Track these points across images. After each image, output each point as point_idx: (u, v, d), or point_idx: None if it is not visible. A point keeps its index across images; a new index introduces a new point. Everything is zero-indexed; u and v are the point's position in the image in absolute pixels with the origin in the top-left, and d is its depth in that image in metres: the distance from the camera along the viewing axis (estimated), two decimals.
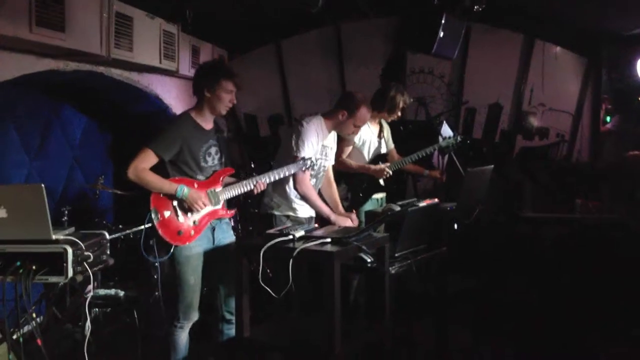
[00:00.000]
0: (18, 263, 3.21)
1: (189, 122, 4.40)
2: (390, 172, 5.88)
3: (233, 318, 4.58)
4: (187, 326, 4.52)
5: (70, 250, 3.23)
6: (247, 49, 8.66)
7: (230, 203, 4.63)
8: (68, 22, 4.82)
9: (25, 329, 3.47)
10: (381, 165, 5.87)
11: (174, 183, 4.25)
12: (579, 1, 6.86)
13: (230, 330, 4.62)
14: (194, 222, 4.35)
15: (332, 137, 5.25)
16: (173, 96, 7.25)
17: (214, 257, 4.52)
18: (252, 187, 4.49)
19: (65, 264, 3.22)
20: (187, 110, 4.54)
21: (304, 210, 5.15)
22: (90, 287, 3.56)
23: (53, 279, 3.26)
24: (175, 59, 6.61)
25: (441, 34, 6.91)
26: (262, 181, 4.52)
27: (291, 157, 4.88)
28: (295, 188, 4.98)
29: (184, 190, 4.22)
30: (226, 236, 4.63)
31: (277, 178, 4.65)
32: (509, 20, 8.04)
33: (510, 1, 7.23)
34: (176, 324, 4.47)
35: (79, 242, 3.34)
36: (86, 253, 3.35)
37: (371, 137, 6.04)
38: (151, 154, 4.23)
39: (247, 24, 7.62)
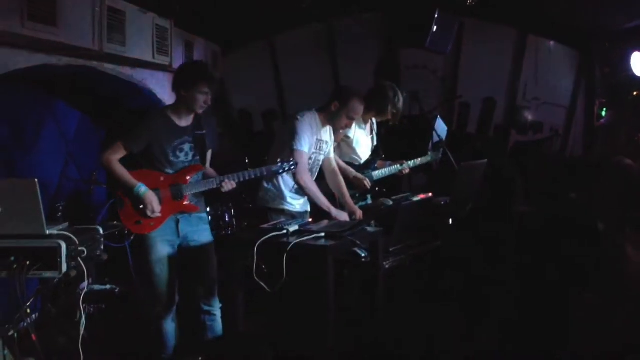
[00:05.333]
0: (12, 258, 3.21)
1: (161, 118, 4.50)
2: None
3: (214, 310, 4.67)
4: (167, 314, 4.57)
5: (64, 245, 3.23)
6: (240, 44, 8.64)
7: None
8: (60, 17, 4.80)
9: (20, 324, 3.46)
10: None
11: (134, 179, 4.38)
12: None
13: (214, 323, 4.69)
14: None
15: (328, 131, 5.25)
16: (167, 91, 7.21)
17: (187, 254, 4.61)
18: (216, 185, 4.55)
19: (59, 259, 3.22)
20: (165, 106, 4.74)
21: (298, 205, 5.16)
22: (85, 282, 3.56)
23: (47, 274, 3.25)
24: (168, 54, 6.59)
25: (434, 29, 6.92)
26: (232, 181, 4.54)
27: (288, 150, 4.88)
28: (295, 180, 4.99)
29: (141, 189, 4.36)
30: (195, 230, 4.66)
31: (251, 177, 4.63)
32: (502, 15, 8.05)
33: None
34: (152, 311, 4.56)
35: (73, 237, 3.33)
36: (80, 248, 3.34)
37: (362, 135, 5.95)
38: (121, 147, 4.40)
39: (240, 19, 7.60)
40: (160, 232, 4.48)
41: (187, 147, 4.54)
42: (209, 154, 4.76)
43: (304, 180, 4.93)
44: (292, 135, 4.91)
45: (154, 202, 4.37)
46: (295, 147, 4.88)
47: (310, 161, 5.04)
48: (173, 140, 4.48)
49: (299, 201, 5.17)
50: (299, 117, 4.99)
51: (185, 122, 4.55)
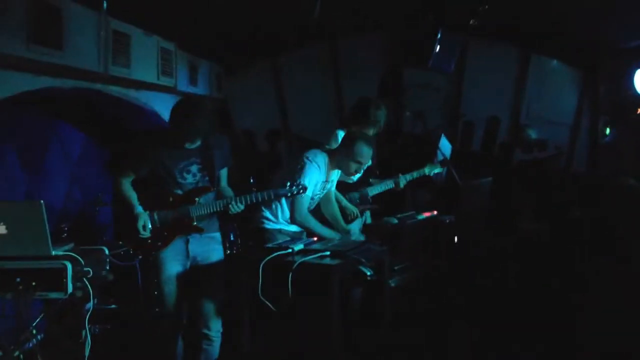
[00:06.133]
0: (18, 279, 3.21)
1: (165, 141, 4.47)
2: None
3: (212, 335, 4.62)
4: (175, 333, 4.58)
5: (69, 266, 3.24)
6: (244, 65, 8.69)
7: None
8: (65, 40, 4.85)
9: (26, 345, 3.46)
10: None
11: (135, 201, 4.43)
12: (575, 15, 6.89)
13: (210, 347, 4.63)
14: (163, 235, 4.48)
15: (335, 172, 5.26)
16: None
17: (195, 273, 4.58)
18: (222, 207, 4.51)
19: (64, 280, 3.23)
20: (167, 129, 4.61)
21: (294, 227, 5.17)
22: (90, 303, 3.56)
23: (53, 295, 3.26)
24: (173, 76, 6.64)
25: (437, 49, 6.95)
26: (238, 203, 4.49)
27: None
28: (294, 221, 5.00)
29: (136, 210, 4.40)
30: (205, 250, 4.61)
31: (258, 200, 4.60)
32: (505, 34, 8.08)
33: (506, 15, 7.27)
34: (161, 331, 4.58)
35: (79, 257, 3.34)
36: (86, 269, 3.35)
37: None
38: (129, 169, 4.49)
39: (244, 40, 7.65)
40: (169, 252, 4.48)
41: (194, 168, 4.51)
42: (224, 172, 4.73)
43: (301, 222, 4.95)
44: (301, 176, 4.87)
45: (142, 223, 4.37)
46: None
47: (312, 201, 5.05)
48: (179, 162, 4.46)
49: (293, 227, 5.18)
50: (310, 159, 4.97)
51: (192, 143, 4.51)
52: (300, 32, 7.53)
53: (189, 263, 4.57)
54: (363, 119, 5.73)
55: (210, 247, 4.66)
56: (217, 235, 4.75)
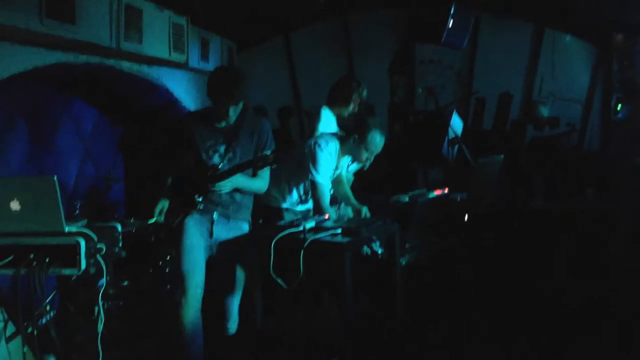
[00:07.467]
0: (31, 255, 3.22)
1: (195, 119, 4.44)
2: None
3: (228, 325, 4.60)
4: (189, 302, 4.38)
5: (83, 242, 3.25)
6: (256, 41, 8.65)
7: None
8: (78, 14, 4.83)
9: (39, 322, 3.48)
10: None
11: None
12: None
13: (229, 326, 4.63)
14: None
15: (345, 158, 5.25)
16: (183, 89, 7.24)
17: (220, 251, 4.53)
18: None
19: (78, 256, 3.23)
20: (205, 107, 4.58)
21: (300, 206, 5.18)
22: (103, 279, 3.57)
23: (66, 272, 3.27)
24: (184, 51, 6.61)
25: (450, 24, 6.90)
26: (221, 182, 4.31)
27: (308, 175, 4.93)
28: (315, 206, 5.02)
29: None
30: (230, 237, 4.52)
31: (236, 171, 4.39)
32: (519, 9, 8.01)
33: None
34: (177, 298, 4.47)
35: (92, 234, 3.35)
36: (99, 245, 3.36)
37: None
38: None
39: (256, 16, 7.61)
40: (193, 221, 4.38)
41: (222, 148, 4.40)
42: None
43: (316, 196, 4.95)
44: (315, 166, 4.87)
45: (160, 208, 4.44)
46: (319, 181, 4.87)
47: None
48: (207, 140, 4.38)
49: (300, 207, 5.20)
50: (322, 147, 4.94)
51: (224, 122, 4.40)
52: (313, 7, 7.48)
53: (211, 244, 4.45)
54: (346, 99, 5.75)
55: (235, 235, 4.56)
56: (245, 225, 4.62)
